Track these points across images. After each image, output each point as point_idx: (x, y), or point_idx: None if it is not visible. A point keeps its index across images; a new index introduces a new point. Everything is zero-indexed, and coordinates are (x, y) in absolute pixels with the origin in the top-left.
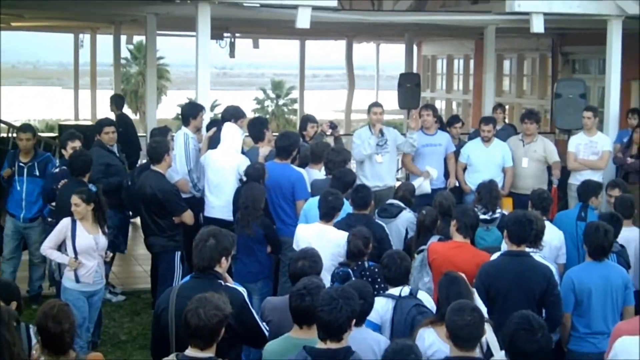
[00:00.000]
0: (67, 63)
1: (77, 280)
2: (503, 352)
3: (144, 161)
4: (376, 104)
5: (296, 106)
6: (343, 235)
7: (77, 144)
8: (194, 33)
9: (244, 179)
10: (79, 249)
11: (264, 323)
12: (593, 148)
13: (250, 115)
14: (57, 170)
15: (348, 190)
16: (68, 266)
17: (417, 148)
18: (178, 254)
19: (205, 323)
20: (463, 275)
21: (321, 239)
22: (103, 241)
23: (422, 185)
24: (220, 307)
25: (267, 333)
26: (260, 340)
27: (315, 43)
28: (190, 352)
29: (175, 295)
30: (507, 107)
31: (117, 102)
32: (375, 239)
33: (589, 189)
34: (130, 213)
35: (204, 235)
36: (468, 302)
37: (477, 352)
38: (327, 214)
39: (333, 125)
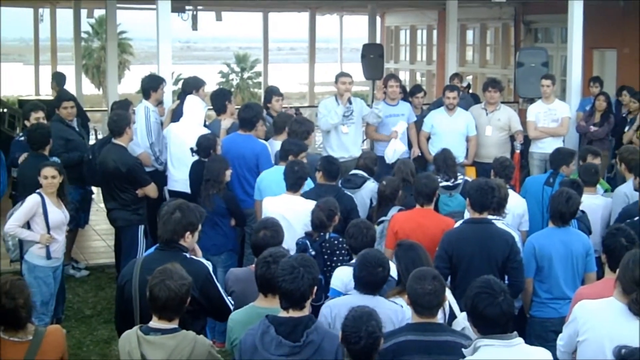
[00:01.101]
0: (29, 39)
1: (49, 257)
2: (464, 313)
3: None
4: (344, 74)
5: (261, 79)
6: (312, 205)
7: (40, 114)
8: (154, 6)
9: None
10: (51, 224)
11: (229, 297)
12: (552, 115)
13: (214, 87)
14: (22, 138)
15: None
16: (39, 243)
17: (382, 118)
18: (141, 228)
19: (176, 293)
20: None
21: (291, 210)
22: (67, 215)
23: (397, 148)
24: (184, 275)
25: (231, 307)
26: (224, 314)
27: (279, 16)
28: (156, 324)
29: (139, 267)
30: (470, 77)
31: (57, 79)
32: (346, 210)
33: (560, 157)
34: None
35: (171, 207)
36: (429, 269)
37: (439, 317)
38: (295, 184)
39: (297, 112)
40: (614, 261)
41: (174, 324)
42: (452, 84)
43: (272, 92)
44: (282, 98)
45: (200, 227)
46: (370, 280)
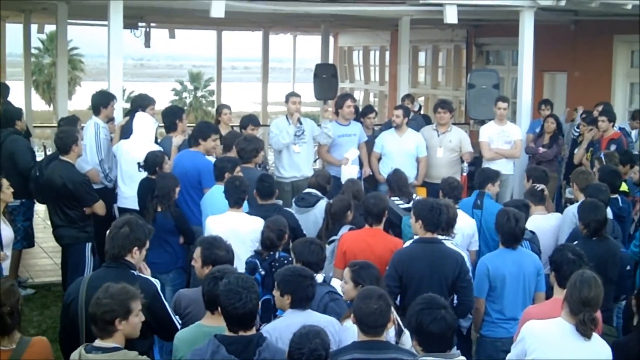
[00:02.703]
0: None
1: (1, 275)
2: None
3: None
4: (294, 94)
5: (214, 98)
6: (257, 221)
7: None
8: (106, 22)
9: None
10: (4, 241)
11: (177, 316)
12: (505, 137)
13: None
14: None
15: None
16: None
17: (333, 139)
18: (89, 245)
19: None
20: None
21: (238, 229)
22: (12, 231)
23: (351, 172)
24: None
25: (179, 326)
26: (171, 333)
27: (234, 35)
28: (99, 342)
29: (85, 285)
30: (422, 98)
31: (1, 90)
32: (291, 228)
33: (485, 175)
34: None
35: (119, 222)
36: (376, 288)
37: (386, 335)
38: (239, 199)
39: None
40: (562, 277)
41: (117, 343)
42: (402, 104)
43: (249, 121)
44: (257, 128)
45: (148, 244)
46: (302, 296)
